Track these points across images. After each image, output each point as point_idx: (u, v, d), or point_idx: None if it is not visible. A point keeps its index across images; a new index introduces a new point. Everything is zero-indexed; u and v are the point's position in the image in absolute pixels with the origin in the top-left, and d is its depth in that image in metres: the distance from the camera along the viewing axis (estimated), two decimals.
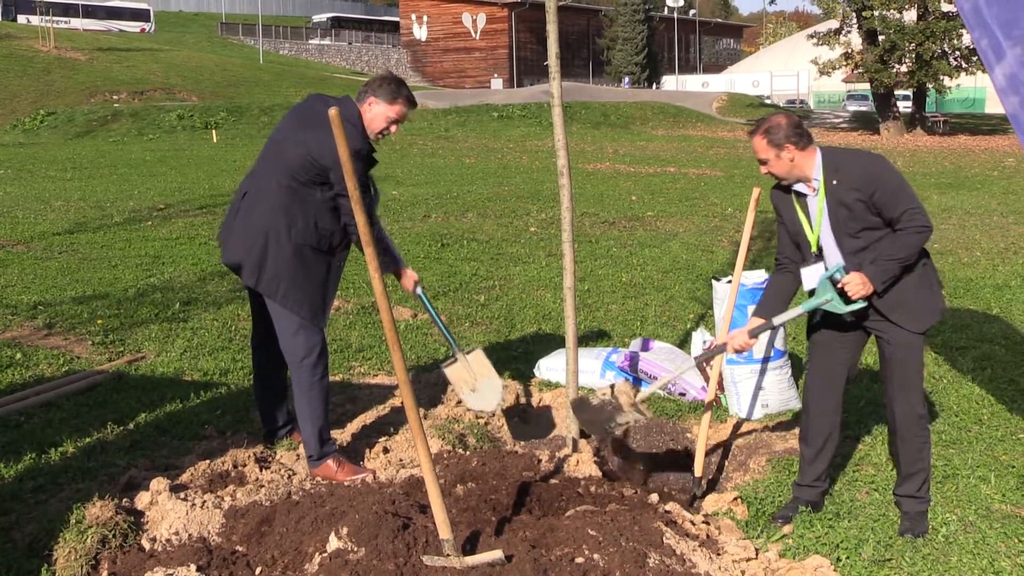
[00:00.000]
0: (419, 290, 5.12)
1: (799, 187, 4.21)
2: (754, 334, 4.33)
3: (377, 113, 4.63)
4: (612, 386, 4.87)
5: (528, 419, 5.69)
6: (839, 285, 4.07)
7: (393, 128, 4.71)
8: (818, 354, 4.41)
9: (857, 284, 4.02)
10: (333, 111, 3.31)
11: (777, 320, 4.31)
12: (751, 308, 5.57)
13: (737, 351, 4.39)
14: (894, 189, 4.03)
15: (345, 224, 4.61)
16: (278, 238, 4.57)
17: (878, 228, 4.09)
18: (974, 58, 34.94)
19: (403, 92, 4.66)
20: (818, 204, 4.15)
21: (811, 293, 4.26)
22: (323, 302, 4.70)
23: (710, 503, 4.60)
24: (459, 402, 5.79)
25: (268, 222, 4.59)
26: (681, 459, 5.16)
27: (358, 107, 4.65)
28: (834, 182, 4.09)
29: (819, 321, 4.37)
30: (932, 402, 5.93)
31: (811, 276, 4.24)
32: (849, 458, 5.07)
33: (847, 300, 4.08)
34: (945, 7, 35.64)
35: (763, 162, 4.18)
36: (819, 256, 4.22)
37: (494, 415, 5.41)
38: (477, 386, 5.19)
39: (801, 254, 4.30)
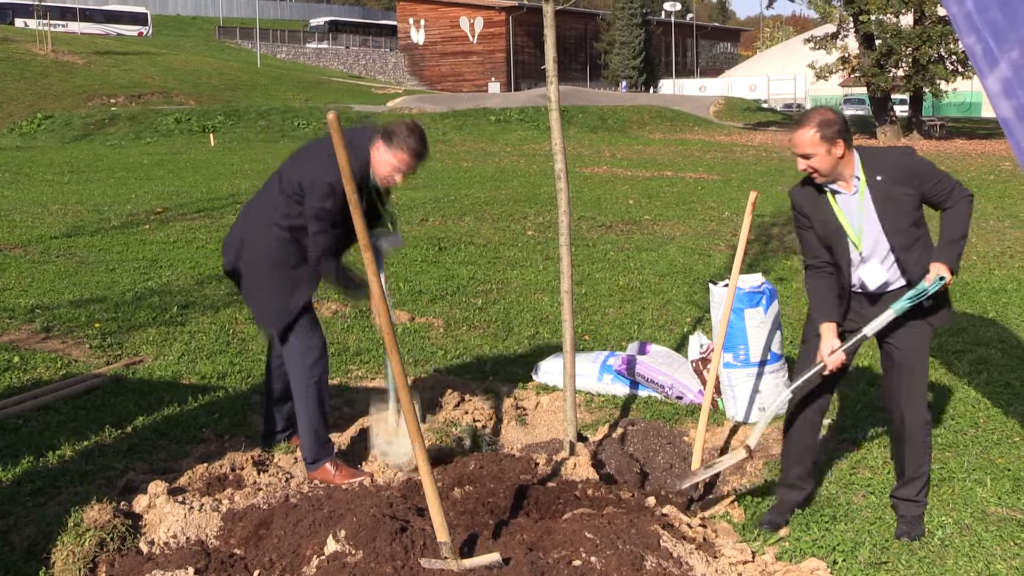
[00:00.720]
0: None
1: (835, 186, 4.12)
2: (847, 350, 4.17)
3: (381, 158, 4.50)
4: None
5: (526, 423, 5.70)
6: (930, 282, 4.02)
7: (398, 177, 4.53)
8: (808, 353, 4.35)
9: (946, 271, 4.01)
10: (331, 115, 3.32)
11: (869, 330, 4.15)
12: (748, 311, 5.61)
13: (835, 368, 4.19)
14: (934, 174, 4.07)
15: (314, 257, 4.60)
16: (253, 241, 4.67)
17: (918, 224, 4.10)
18: (970, 63, 34.97)
19: (410, 141, 4.45)
20: (859, 203, 4.09)
21: (862, 299, 4.22)
22: (288, 309, 4.67)
23: (707, 506, 4.61)
24: (457, 405, 5.81)
25: (247, 229, 4.71)
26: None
27: (369, 142, 4.52)
28: (878, 178, 4.05)
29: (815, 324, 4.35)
30: (928, 406, 5.94)
31: (873, 275, 4.16)
32: (845, 461, 5.09)
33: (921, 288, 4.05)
34: (941, 11, 35.68)
35: (807, 156, 4.03)
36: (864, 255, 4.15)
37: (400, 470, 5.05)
38: (394, 440, 4.98)
39: (833, 257, 4.20)
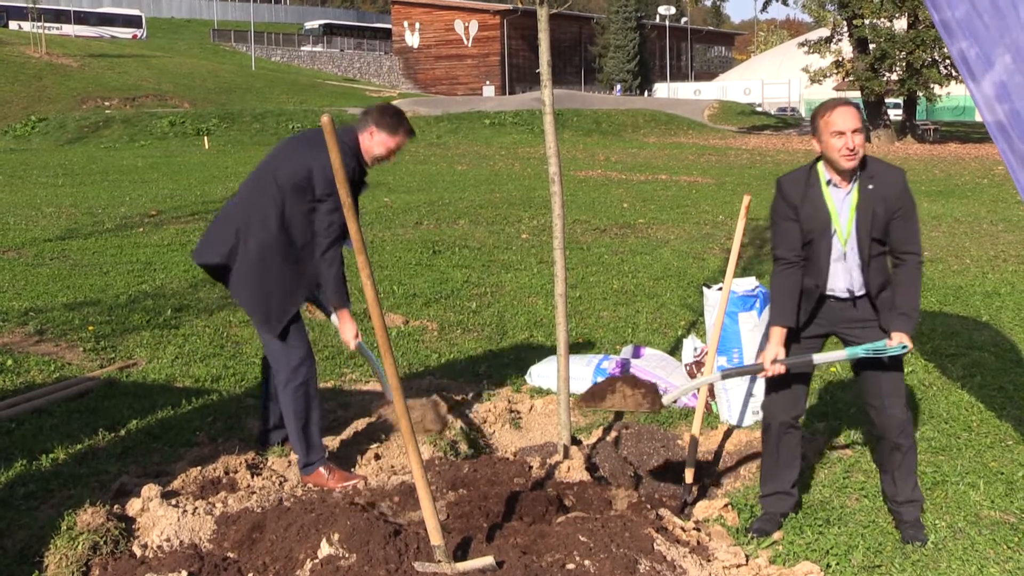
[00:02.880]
0: (358, 342, 4.84)
1: (837, 180, 4.15)
2: (789, 365, 4.23)
3: (379, 141, 4.71)
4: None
5: (520, 426, 5.70)
6: (894, 348, 4.09)
7: (392, 157, 4.83)
8: (799, 352, 4.35)
9: (908, 340, 4.09)
10: (325, 118, 3.32)
11: (818, 359, 4.25)
12: (742, 315, 5.61)
13: (772, 375, 4.27)
14: (912, 214, 4.11)
15: (330, 237, 4.62)
16: (246, 239, 4.64)
17: (882, 242, 4.14)
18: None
19: (404, 124, 4.78)
20: (852, 202, 4.12)
21: (827, 304, 4.26)
22: (281, 309, 4.68)
23: (701, 510, 4.61)
24: (450, 409, 5.81)
25: (239, 222, 4.69)
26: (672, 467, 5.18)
27: (356, 134, 4.73)
28: (869, 187, 4.09)
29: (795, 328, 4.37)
30: (921, 409, 5.95)
31: (843, 276, 4.20)
32: (839, 465, 5.09)
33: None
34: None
35: (857, 130, 4.04)
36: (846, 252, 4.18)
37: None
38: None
39: (811, 252, 4.21)
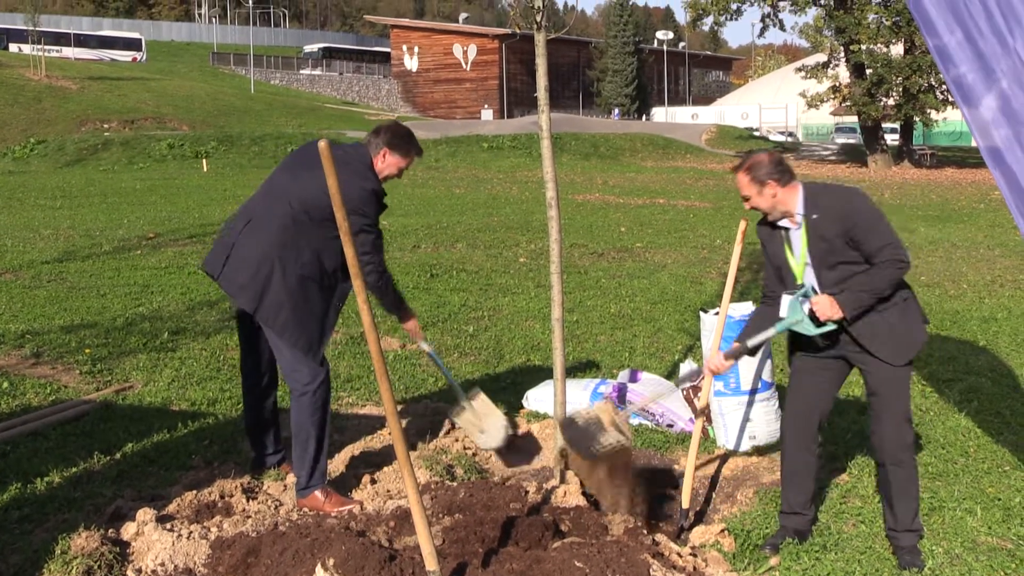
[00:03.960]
0: (425, 345, 5.49)
1: (783, 222, 4.29)
2: (729, 356, 4.51)
3: (391, 163, 4.87)
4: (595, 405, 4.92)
5: (516, 450, 5.69)
6: (809, 306, 4.17)
7: (401, 175, 5.00)
8: (797, 383, 4.47)
9: (825, 306, 4.12)
10: (323, 143, 3.33)
11: (751, 342, 4.44)
12: None
13: (714, 373, 4.65)
14: (870, 224, 4.12)
15: (373, 266, 4.80)
16: (284, 268, 4.60)
17: (856, 263, 4.16)
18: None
19: (415, 145, 4.98)
20: (802, 238, 4.24)
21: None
22: (320, 336, 4.72)
23: (697, 535, 4.59)
24: (447, 432, 5.80)
25: (273, 251, 4.62)
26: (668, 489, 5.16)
27: (370, 156, 4.84)
28: (814, 216, 4.19)
29: (801, 350, 4.43)
30: (918, 434, 5.94)
31: (785, 302, 4.33)
32: (836, 490, 5.08)
33: (818, 323, 4.18)
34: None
35: (746, 198, 4.29)
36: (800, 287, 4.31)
37: (505, 449, 5.54)
38: (484, 427, 5.46)
39: (784, 287, 4.37)
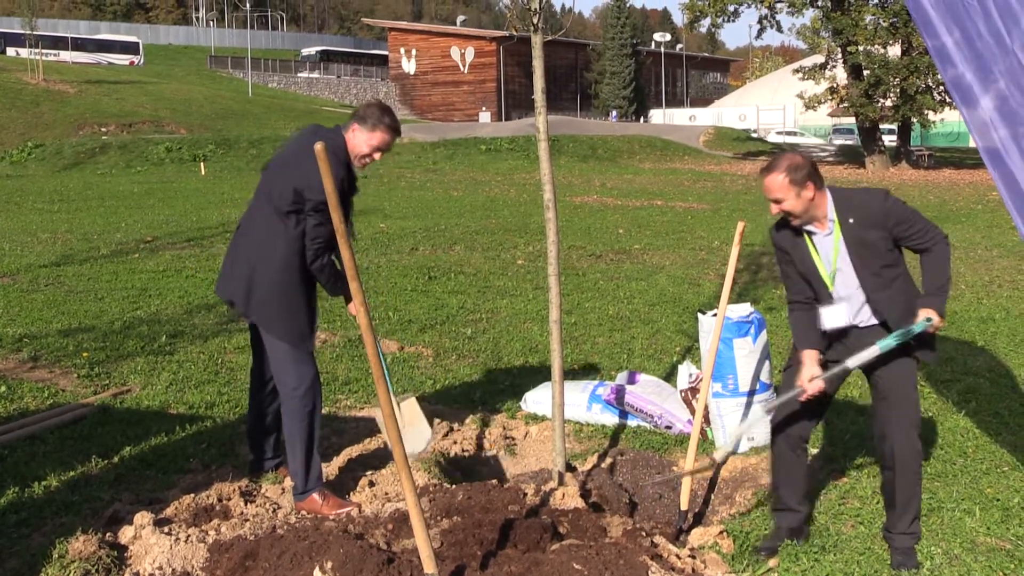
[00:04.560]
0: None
1: (811, 227, 4.21)
2: (826, 380, 4.24)
3: (359, 140, 4.70)
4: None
5: (515, 452, 5.69)
6: (926, 330, 4.09)
7: (376, 155, 4.75)
8: (794, 378, 4.37)
9: (938, 322, 4.09)
10: (319, 146, 3.33)
11: (852, 362, 4.22)
12: (737, 341, 5.61)
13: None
14: (908, 218, 4.13)
15: (314, 249, 4.63)
16: (266, 266, 4.63)
17: (894, 265, 4.18)
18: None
19: (385, 120, 4.71)
20: (834, 244, 4.17)
21: (842, 333, 4.26)
22: (309, 327, 4.74)
23: (696, 536, 4.59)
24: (446, 435, 5.79)
25: (255, 252, 4.68)
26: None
27: (341, 131, 4.74)
28: (851, 220, 4.12)
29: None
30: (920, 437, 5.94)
31: (834, 316, 4.24)
32: (834, 491, 5.08)
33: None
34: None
35: (778, 201, 4.13)
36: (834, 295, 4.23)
37: (418, 459, 5.29)
38: (404, 433, 5.02)
39: (814, 293, 4.28)
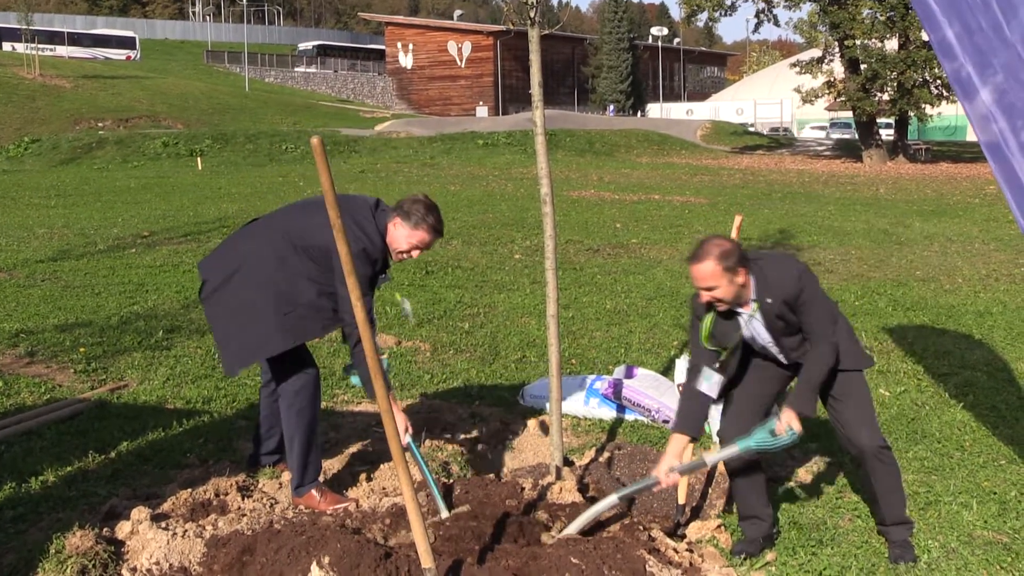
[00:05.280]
0: (408, 439, 4.57)
1: (738, 309, 4.18)
2: (684, 472, 4.29)
3: (400, 235, 4.56)
4: None
5: (512, 447, 5.68)
6: (780, 432, 4.09)
7: (415, 253, 4.62)
8: (739, 390, 4.44)
9: (797, 423, 4.08)
10: (315, 140, 3.28)
11: (710, 460, 4.35)
12: None
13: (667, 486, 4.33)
14: (814, 304, 4.12)
15: (345, 313, 4.44)
16: (243, 273, 4.57)
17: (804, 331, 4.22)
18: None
19: (429, 219, 4.54)
20: (755, 322, 4.19)
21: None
22: (246, 352, 4.60)
23: (693, 531, 4.59)
24: (443, 429, 5.79)
25: (242, 254, 4.62)
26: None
27: (385, 218, 4.57)
28: (768, 301, 4.11)
29: (744, 359, 4.42)
30: (913, 428, 5.95)
31: (713, 386, 4.28)
32: (832, 485, 5.08)
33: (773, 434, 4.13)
34: (926, 36, 35.90)
35: (709, 289, 4.03)
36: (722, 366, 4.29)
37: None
38: None
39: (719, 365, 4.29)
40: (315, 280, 4.51)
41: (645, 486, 4.32)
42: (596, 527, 4.41)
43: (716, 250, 3.97)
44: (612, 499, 4.31)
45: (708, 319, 4.20)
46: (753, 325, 4.20)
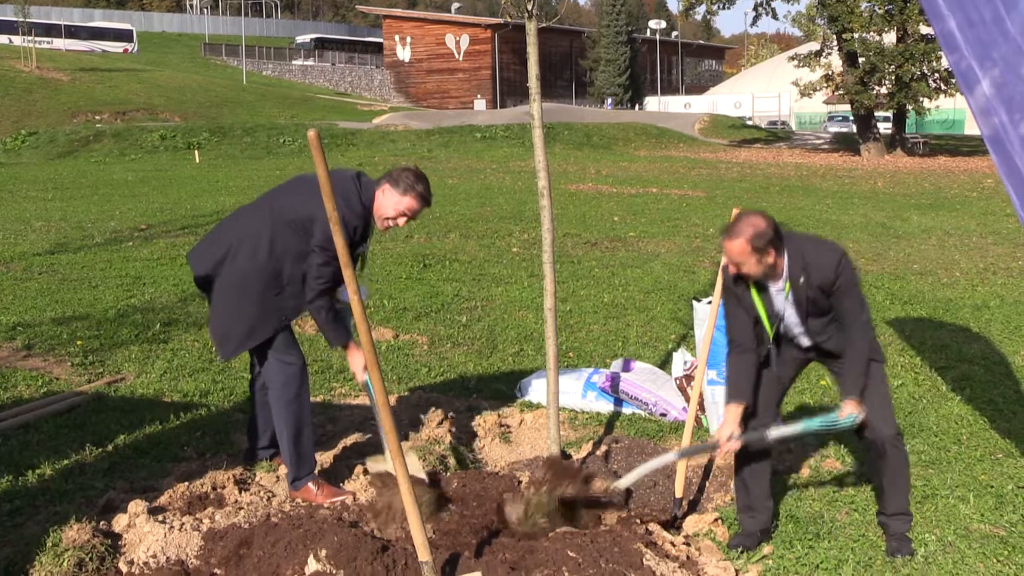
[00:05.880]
0: (366, 376, 4.63)
1: (765, 281, 4.20)
2: (745, 441, 4.27)
3: (388, 202, 4.59)
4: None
5: (509, 440, 5.69)
6: (843, 416, 4.16)
7: (401, 221, 4.64)
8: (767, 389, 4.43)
9: (857, 409, 4.14)
10: (312, 133, 3.29)
11: (772, 434, 4.29)
12: None
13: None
14: (851, 290, 4.16)
15: (316, 288, 4.53)
16: (233, 259, 4.59)
17: (834, 315, 4.24)
18: (952, 80, 35.21)
19: (417, 187, 4.59)
20: (784, 299, 4.20)
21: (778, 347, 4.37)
22: (242, 336, 4.63)
23: (690, 524, 4.60)
24: (440, 422, 5.79)
25: (232, 240, 4.64)
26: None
27: (373, 186, 4.61)
28: (801, 280, 4.13)
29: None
30: (911, 422, 5.95)
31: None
32: (829, 479, 5.09)
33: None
34: (924, 29, 35.94)
35: (737, 264, 4.08)
36: (775, 341, 4.30)
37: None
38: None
39: (758, 337, 4.29)
40: (301, 257, 4.54)
41: (706, 448, 4.47)
42: (593, 521, 4.41)
43: (750, 230, 4.01)
44: (671, 456, 4.46)
45: (757, 302, 4.21)
46: (780, 301, 4.21)
